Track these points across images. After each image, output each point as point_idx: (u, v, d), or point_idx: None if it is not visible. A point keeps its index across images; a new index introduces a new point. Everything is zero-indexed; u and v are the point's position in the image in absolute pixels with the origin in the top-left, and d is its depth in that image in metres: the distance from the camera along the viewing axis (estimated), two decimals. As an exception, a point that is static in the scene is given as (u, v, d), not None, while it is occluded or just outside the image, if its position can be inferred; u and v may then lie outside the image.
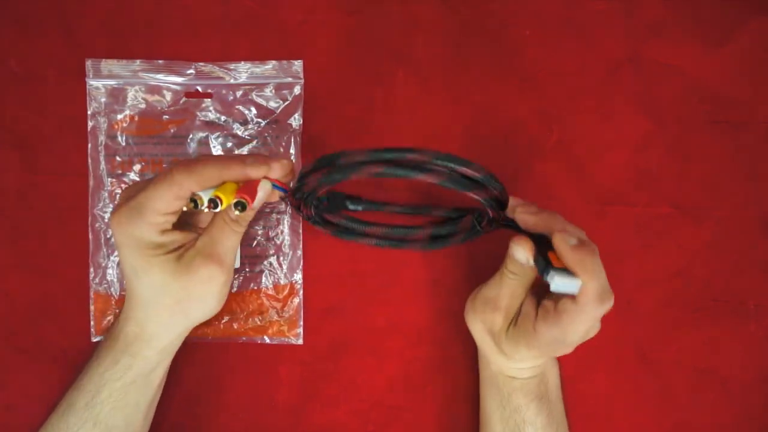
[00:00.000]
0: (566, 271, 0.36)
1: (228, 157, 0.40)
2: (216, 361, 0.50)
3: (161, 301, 0.41)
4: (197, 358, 0.50)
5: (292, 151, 0.51)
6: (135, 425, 0.44)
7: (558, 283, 0.36)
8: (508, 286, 0.41)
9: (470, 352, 0.51)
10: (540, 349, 0.39)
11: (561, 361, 0.50)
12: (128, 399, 0.42)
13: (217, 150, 0.50)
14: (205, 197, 0.39)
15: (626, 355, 0.51)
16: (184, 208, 0.40)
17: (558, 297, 0.38)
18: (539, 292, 0.42)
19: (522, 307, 0.41)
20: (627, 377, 0.51)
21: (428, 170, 0.36)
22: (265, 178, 0.40)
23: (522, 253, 0.39)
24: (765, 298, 0.51)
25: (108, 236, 0.50)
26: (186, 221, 0.44)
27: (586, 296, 0.36)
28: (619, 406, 0.51)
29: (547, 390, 0.45)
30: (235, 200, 0.39)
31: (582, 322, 0.37)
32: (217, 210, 0.39)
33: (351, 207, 0.48)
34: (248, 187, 0.39)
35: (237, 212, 0.39)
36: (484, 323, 0.42)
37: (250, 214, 0.41)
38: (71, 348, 0.50)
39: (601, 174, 0.51)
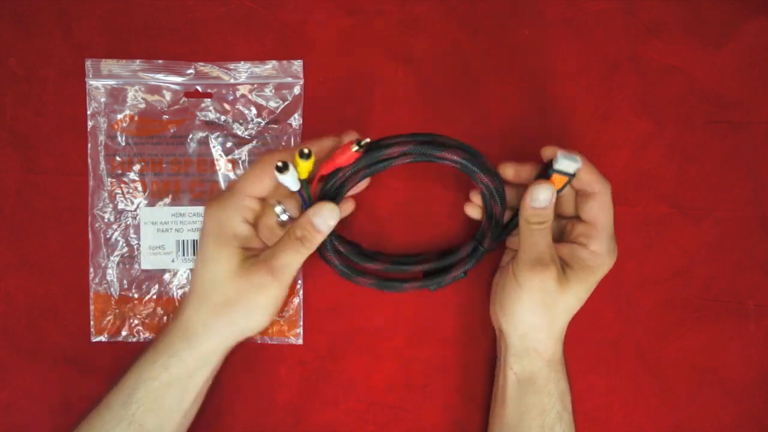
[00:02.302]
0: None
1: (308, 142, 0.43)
2: (216, 361, 0.51)
3: (213, 298, 0.42)
4: (197, 358, 0.50)
5: (292, 151, 0.51)
6: (168, 431, 0.44)
7: (561, 161, 0.41)
8: (542, 236, 0.43)
9: (469, 350, 0.51)
10: (601, 254, 0.43)
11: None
12: (163, 402, 0.42)
13: (217, 150, 0.50)
14: (291, 183, 0.41)
15: (626, 355, 0.51)
16: (278, 177, 0.40)
17: (578, 220, 0.44)
18: (559, 239, 0.46)
19: (564, 255, 0.44)
20: (627, 377, 0.51)
21: (449, 150, 0.42)
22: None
23: (545, 191, 0.42)
24: (765, 298, 0.51)
25: (108, 236, 0.50)
26: (264, 240, 0.45)
27: (588, 173, 0.42)
28: (619, 406, 0.51)
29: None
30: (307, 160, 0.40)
31: (603, 199, 0.42)
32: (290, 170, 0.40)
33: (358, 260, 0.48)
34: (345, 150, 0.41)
35: (302, 160, 0.40)
36: (539, 292, 0.43)
37: (318, 237, 0.42)
38: (71, 348, 0.50)
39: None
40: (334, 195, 0.43)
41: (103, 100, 0.50)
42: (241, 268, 0.42)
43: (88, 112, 0.50)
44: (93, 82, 0.50)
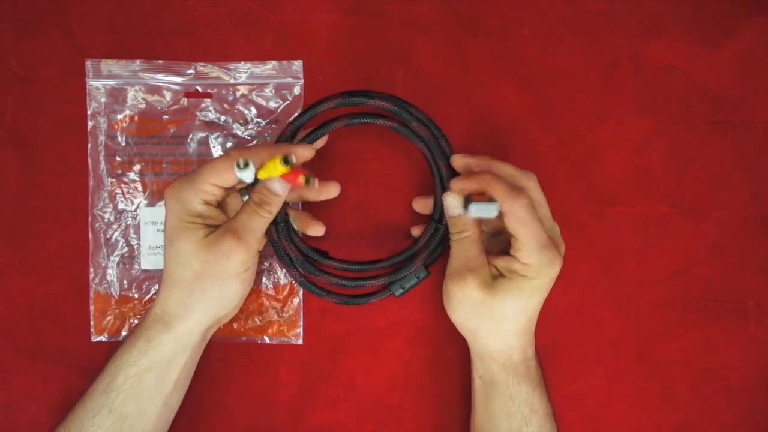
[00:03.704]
0: (485, 201, 0.41)
1: (278, 144, 0.45)
2: (216, 361, 0.50)
3: (183, 275, 0.43)
4: (197, 358, 0.50)
5: (292, 151, 0.51)
6: (149, 417, 0.44)
7: (474, 209, 0.41)
8: (462, 248, 0.44)
9: (468, 351, 0.51)
10: (533, 266, 0.42)
11: (560, 360, 0.51)
12: (143, 388, 0.43)
13: (217, 150, 0.50)
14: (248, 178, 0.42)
15: (626, 355, 0.51)
16: (236, 172, 0.41)
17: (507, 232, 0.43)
18: (494, 248, 0.46)
19: (494, 265, 0.44)
20: (627, 377, 0.51)
21: (384, 117, 0.45)
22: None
23: (452, 199, 0.43)
24: (765, 298, 0.51)
25: (108, 236, 0.50)
26: (225, 213, 0.46)
27: (502, 205, 0.41)
28: (619, 406, 0.51)
29: (542, 376, 0.46)
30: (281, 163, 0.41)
31: (518, 214, 0.41)
32: (249, 179, 0.42)
33: (321, 260, 0.47)
34: (291, 174, 0.42)
35: (283, 164, 0.41)
36: (465, 300, 0.43)
37: (275, 199, 0.43)
38: (71, 348, 0.50)
39: (601, 174, 0.51)
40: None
41: (103, 100, 0.50)
42: (205, 240, 0.42)
43: (88, 112, 0.50)
44: (93, 82, 0.50)
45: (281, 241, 0.46)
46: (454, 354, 0.51)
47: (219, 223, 0.44)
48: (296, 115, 0.45)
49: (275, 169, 0.41)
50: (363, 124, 0.45)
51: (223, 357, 0.51)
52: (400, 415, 0.51)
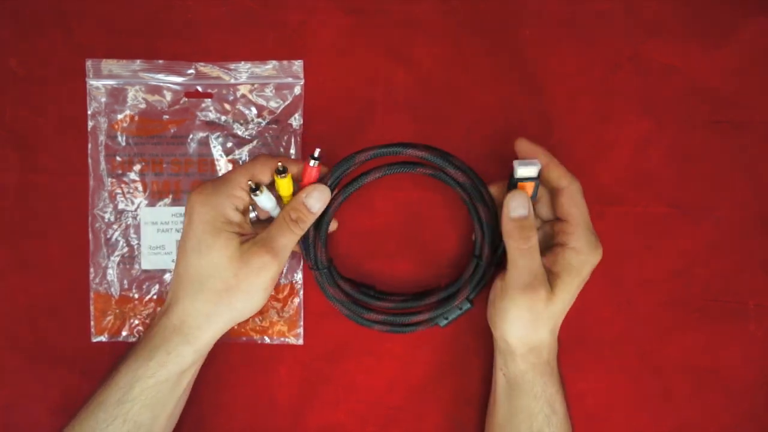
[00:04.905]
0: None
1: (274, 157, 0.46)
2: (216, 361, 0.50)
3: (211, 286, 0.42)
4: (197, 358, 0.51)
5: (292, 151, 0.51)
6: (160, 423, 0.44)
7: (518, 166, 0.43)
8: (531, 259, 0.43)
9: (469, 352, 0.51)
10: (583, 249, 0.43)
11: (560, 360, 0.50)
12: (158, 397, 0.43)
13: (217, 150, 0.50)
14: (266, 202, 0.44)
15: (626, 355, 0.51)
16: (252, 197, 0.43)
17: (557, 221, 0.45)
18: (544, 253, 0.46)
19: (549, 264, 0.44)
20: (627, 377, 0.51)
21: (420, 165, 0.46)
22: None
23: (518, 197, 0.43)
24: (765, 298, 0.51)
25: (108, 236, 0.50)
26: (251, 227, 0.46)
27: (553, 170, 0.43)
28: (619, 406, 0.51)
29: (562, 378, 0.46)
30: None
31: (572, 193, 0.43)
32: (259, 195, 0.43)
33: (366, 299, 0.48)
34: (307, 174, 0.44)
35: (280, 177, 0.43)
36: (529, 312, 0.43)
37: (310, 218, 0.44)
38: (71, 348, 0.50)
39: (601, 174, 0.51)
40: (319, 218, 0.45)
41: (103, 100, 0.50)
42: (239, 252, 0.42)
43: (89, 112, 0.50)
44: (93, 82, 0.50)
45: (327, 288, 0.47)
46: (455, 355, 0.51)
47: (246, 232, 0.44)
48: (333, 167, 0.45)
49: (284, 185, 0.43)
50: (401, 173, 0.46)
51: (223, 357, 0.51)
52: (400, 416, 0.51)
